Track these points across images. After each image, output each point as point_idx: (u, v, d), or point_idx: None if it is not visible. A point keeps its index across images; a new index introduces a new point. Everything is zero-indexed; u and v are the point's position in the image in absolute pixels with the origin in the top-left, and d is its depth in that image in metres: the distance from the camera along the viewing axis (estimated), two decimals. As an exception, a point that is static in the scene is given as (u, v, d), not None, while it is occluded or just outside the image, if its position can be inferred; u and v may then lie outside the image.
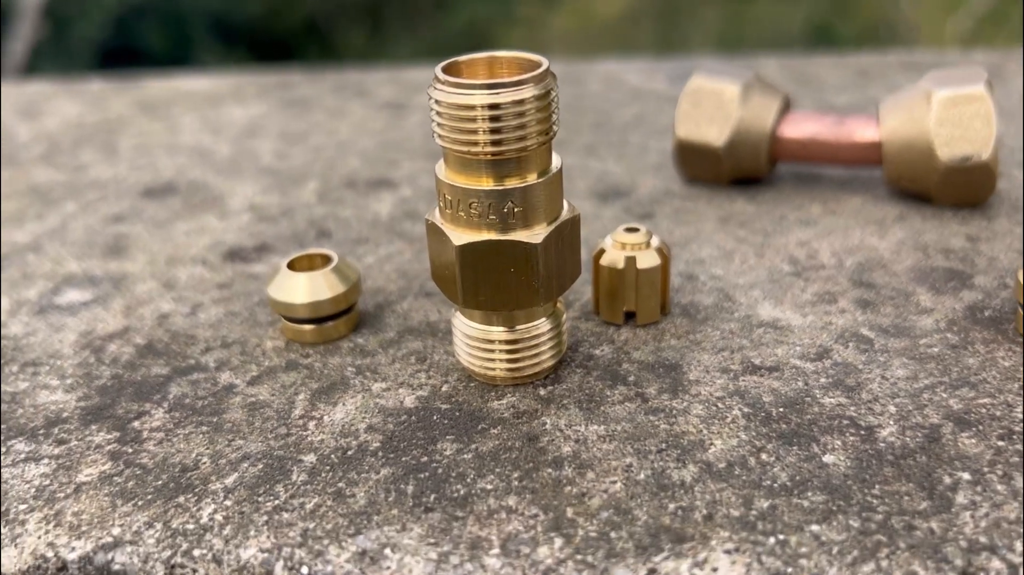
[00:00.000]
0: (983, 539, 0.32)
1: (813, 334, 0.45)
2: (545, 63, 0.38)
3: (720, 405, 0.40)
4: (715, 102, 0.57)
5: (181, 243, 0.58)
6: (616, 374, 0.43)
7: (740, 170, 0.58)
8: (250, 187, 0.65)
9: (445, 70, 0.38)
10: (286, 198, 0.63)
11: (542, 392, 0.42)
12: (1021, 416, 0.38)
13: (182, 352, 0.46)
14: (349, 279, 0.46)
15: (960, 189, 0.54)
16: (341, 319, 0.46)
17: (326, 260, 0.47)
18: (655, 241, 0.46)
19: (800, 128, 0.57)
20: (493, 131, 0.36)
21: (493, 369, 0.42)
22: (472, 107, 0.36)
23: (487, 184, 0.38)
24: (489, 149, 0.37)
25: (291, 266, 0.47)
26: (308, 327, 0.46)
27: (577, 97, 0.77)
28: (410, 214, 0.60)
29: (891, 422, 0.39)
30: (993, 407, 0.39)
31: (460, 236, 0.39)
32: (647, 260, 0.45)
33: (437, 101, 0.37)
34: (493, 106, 0.36)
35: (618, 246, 0.45)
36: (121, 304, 0.51)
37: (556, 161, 0.40)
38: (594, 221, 0.57)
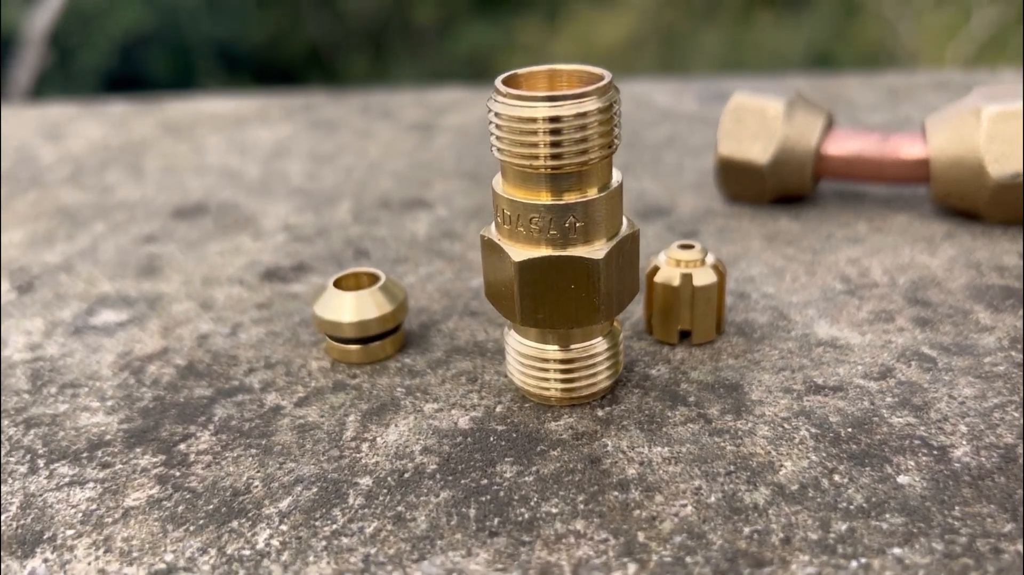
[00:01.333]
0: (1075, 563, 0.31)
1: (874, 353, 0.44)
2: (608, 76, 0.37)
3: (786, 426, 0.39)
4: (758, 119, 0.56)
5: (216, 263, 0.57)
6: (675, 394, 0.41)
7: (784, 188, 0.57)
8: (282, 207, 0.64)
9: (505, 82, 0.37)
10: (320, 218, 0.62)
11: (600, 413, 0.41)
12: (1099, 436, 0.37)
13: (225, 373, 0.45)
14: (396, 298, 0.45)
15: (1010, 206, 0.53)
16: (388, 339, 0.45)
17: (373, 279, 0.46)
18: (710, 258, 0.45)
19: (845, 145, 0.56)
20: (554, 144, 0.35)
21: (548, 389, 0.41)
22: (533, 120, 0.35)
23: (547, 199, 0.37)
24: (550, 163, 0.36)
25: (337, 284, 0.46)
26: (355, 347, 0.45)
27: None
28: (447, 234, 0.59)
29: (964, 442, 0.37)
30: (1068, 427, 0.38)
31: (519, 252, 0.38)
32: (703, 277, 0.44)
33: (497, 114, 0.36)
34: (554, 119, 0.35)
35: (672, 263, 0.44)
36: (158, 325, 0.50)
37: (616, 175, 0.39)
38: (636, 240, 0.56)
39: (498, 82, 0.37)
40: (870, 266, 0.52)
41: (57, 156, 0.78)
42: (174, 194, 0.68)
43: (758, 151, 0.56)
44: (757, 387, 0.42)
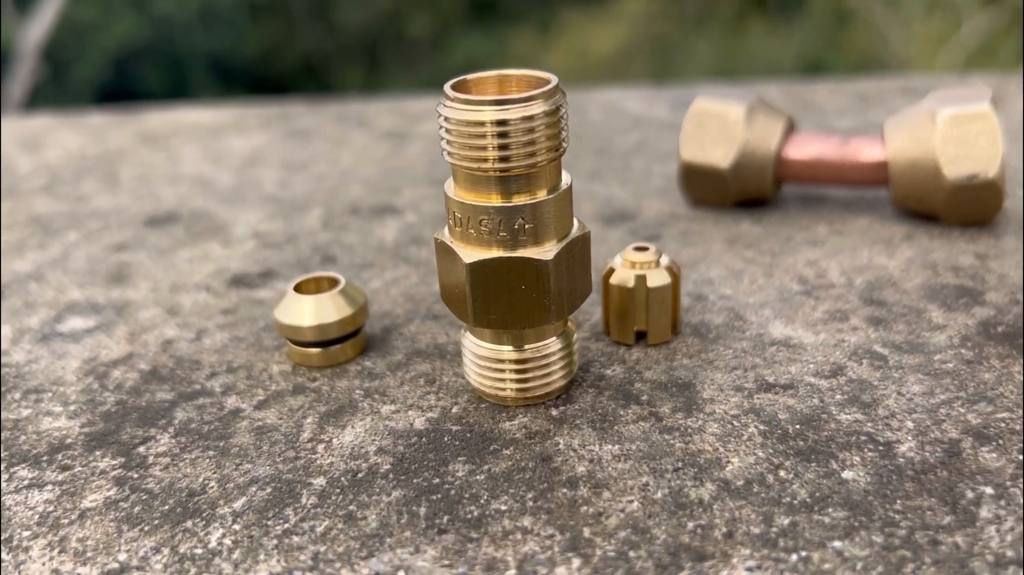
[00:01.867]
0: (1010, 553, 0.32)
1: (826, 351, 0.44)
2: (554, 80, 0.38)
3: (735, 423, 0.39)
4: (719, 124, 0.57)
5: (184, 270, 0.57)
6: (629, 394, 0.42)
7: (746, 192, 0.58)
8: (253, 215, 0.65)
9: (454, 87, 0.38)
10: (290, 225, 0.63)
11: (554, 412, 0.41)
12: (1041, 430, 0.38)
13: (187, 377, 0.46)
14: (356, 302, 0.46)
15: (967, 207, 0.54)
16: (348, 342, 0.46)
17: (333, 283, 0.47)
18: (665, 260, 0.45)
19: (805, 149, 0.57)
20: (502, 147, 0.36)
21: (503, 390, 0.41)
22: (481, 123, 0.36)
23: (497, 201, 0.37)
24: (498, 165, 0.36)
25: (298, 289, 0.46)
26: (315, 350, 0.45)
27: (579, 124, 0.78)
28: (415, 239, 0.60)
29: (909, 437, 0.38)
30: (1012, 421, 0.39)
31: (470, 254, 0.38)
32: (657, 279, 0.44)
33: (446, 118, 0.37)
34: (502, 122, 0.36)
35: (628, 265, 0.45)
36: (124, 331, 0.51)
37: (566, 178, 0.39)
38: (600, 244, 0.57)
39: (447, 87, 0.38)
40: (828, 267, 0.52)
41: (34, 166, 0.79)
42: (147, 203, 0.69)
43: (720, 156, 0.57)
44: (709, 386, 0.42)
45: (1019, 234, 0.55)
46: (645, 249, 0.45)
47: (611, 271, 0.45)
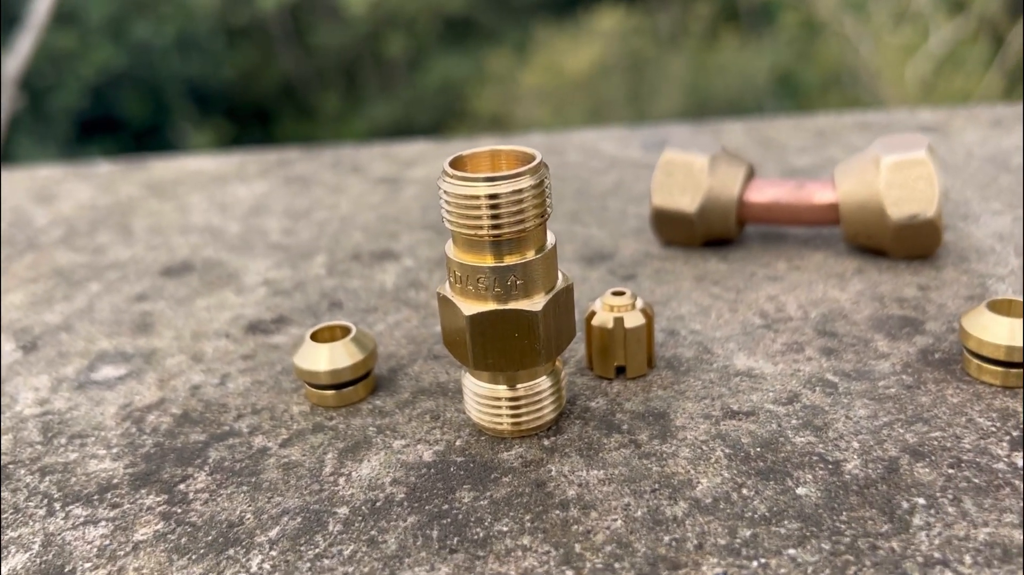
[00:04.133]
0: (937, 555, 0.38)
1: (784, 380, 0.50)
2: (538, 156, 0.43)
3: (704, 447, 0.45)
4: (686, 172, 0.63)
5: (203, 318, 0.63)
6: (611, 423, 0.48)
7: (711, 233, 0.64)
8: (262, 263, 0.70)
9: (452, 164, 0.44)
10: (297, 272, 0.68)
11: (546, 443, 0.47)
12: (968, 446, 0.44)
13: (216, 420, 0.51)
14: (366, 347, 0.51)
15: (910, 243, 0.60)
16: (360, 383, 0.51)
17: (345, 331, 0.52)
18: (639, 303, 0.51)
19: (764, 193, 0.63)
20: (494, 217, 0.42)
21: (501, 424, 0.47)
22: (476, 197, 0.42)
23: (491, 262, 0.43)
24: (492, 232, 0.42)
25: (314, 337, 0.52)
26: (330, 392, 0.51)
27: (559, 166, 0.83)
28: (414, 283, 0.65)
29: (855, 456, 0.44)
30: (944, 439, 0.45)
31: (469, 307, 0.44)
32: (633, 320, 0.50)
33: (446, 192, 0.42)
34: (494, 195, 0.42)
35: (607, 308, 0.51)
36: (154, 377, 0.56)
37: (551, 238, 0.45)
38: (582, 283, 0.63)
39: (446, 164, 0.44)
40: (786, 302, 0.58)
41: (50, 218, 0.84)
42: (162, 253, 0.74)
43: (687, 201, 0.63)
44: (681, 414, 0.48)
45: (957, 266, 0.61)
46: (622, 293, 0.51)
47: (592, 314, 0.51)
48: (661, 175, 0.64)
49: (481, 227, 0.42)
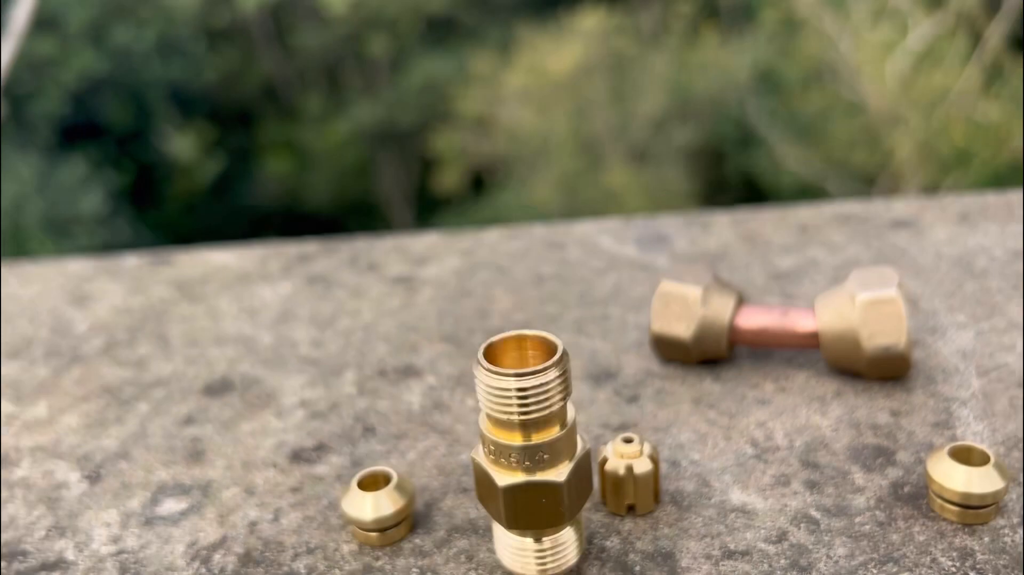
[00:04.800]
0: None
1: (773, 517, 0.58)
2: (560, 347, 0.50)
3: (706, 591, 0.52)
4: (681, 303, 0.70)
5: (250, 445, 0.70)
6: (625, 565, 0.55)
7: (705, 354, 0.71)
8: (296, 380, 0.77)
9: (485, 355, 0.51)
10: (330, 391, 0.75)
11: (569, 585, 0.54)
12: (931, 587, 0.51)
13: (276, 559, 0.58)
14: (407, 492, 0.58)
15: (883, 369, 0.67)
16: (402, 524, 0.58)
17: (387, 479, 0.59)
18: (647, 448, 0.58)
19: (752, 321, 0.70)
20: (523, 405, 0.49)
21: (529, 570, 0.54)
22: (507, 389, 0.49)
23: (520, 440, 0.50)
24: (520, 416, 0.49)
25: (360, 485, 0.59)
26: (375, 534, 0.58)
27: (560, 264, 0.90)
28: (438, 405, 0.72)
29: (836, 597, 0.51)
30: (911, 579, 0.52)
31: (502, 478, 0.51)
32: (642, 466, 0.57)
33: (479, 380, 0.50)
34: (522, 388, 0.49)
35: (617, 455, 0.58)
36: (214, 512, 0.63)
37: (571, 412, 0.52)
38: (590, 405, 0.70)
39: (480, 355, 0.50)
40: (774, 428, 0.66)
41: (89, 323, 0.91)
42: (201, 368, 0.80)
43: (682, 329, 0.70)
44: (686, 554, 0.55)
45: (926, 388, 0.68)
46: (631, 441, 0.58)
47: (605, 459, 0.58)
48: (659, 305, 0.71)
49: (511, 412, 0.49)
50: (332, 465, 0.67)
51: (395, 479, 0.59)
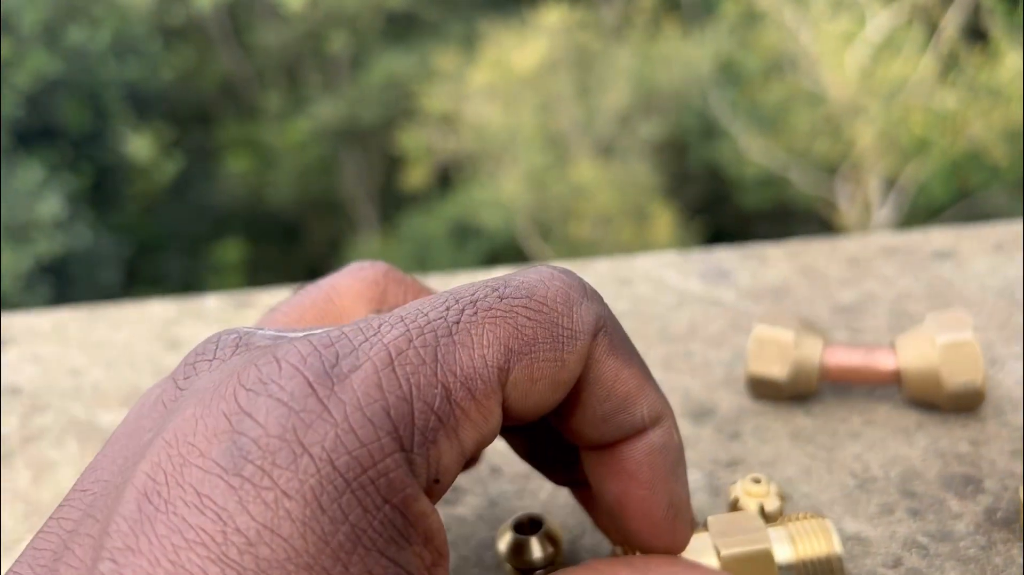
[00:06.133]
0: None
1: (886, 544, 0.65)
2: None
3: (844, 615, 0.60)
4: (775, 346, 0.77)
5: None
6: (766, 594, 0.62)
7: (797, 392, 0.78)
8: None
9: None
10: (448, 434, 0.81)
11: (719, 613, 0.61)
12: (1039, 606, 0.59)
13: (444, 599, 0.64)
14: (557, 532, 0.65)
15: (961, 403, 0.75)
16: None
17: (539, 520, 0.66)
18: (773, 488, 0.65)
19: (839, 359, 0.78)
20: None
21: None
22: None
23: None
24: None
25: (515, 528, 0.65)
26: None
27: (634, 301, 0.97)
28: (553, 445, 0.79)
29: (957, 617, 0.59)
30: (1019, 599, 0.60)
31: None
32: (771, 505, 0.64)
33: None
34: None
35: (747, 495, 0.65)
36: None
37: None
38: (697, 443, 0.77)
39: None
40: (870, 460, 0.73)
41: (190, 369, 0.95)
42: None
43: (777, 370, 0.77)
44: (817, 582, 0.62)
45: (996, 418, 0.76)
46: (759, 481, 0.65)
47: (736, 499, 0.65)
48: (755, 347, 0.78)
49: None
50: (469, 506, 0.73)
51: (546, 521, 0.65)
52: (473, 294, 0.42)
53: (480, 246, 13.47)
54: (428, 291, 0.58)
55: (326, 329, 0.45)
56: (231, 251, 15.67)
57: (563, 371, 0.40)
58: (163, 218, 16.10)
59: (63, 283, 13.75)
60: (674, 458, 0.49)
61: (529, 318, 0.39)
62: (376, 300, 0.57)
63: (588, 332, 0.41)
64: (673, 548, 0.48)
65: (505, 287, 0.41)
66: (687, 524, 0.49)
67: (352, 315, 0.56)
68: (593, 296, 0.43)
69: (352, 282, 0.58)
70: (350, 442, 0.38)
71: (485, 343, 0.39)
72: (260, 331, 0.47)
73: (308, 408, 0.39)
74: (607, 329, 0.44)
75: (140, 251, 15.62)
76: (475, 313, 0.41)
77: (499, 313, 0.40)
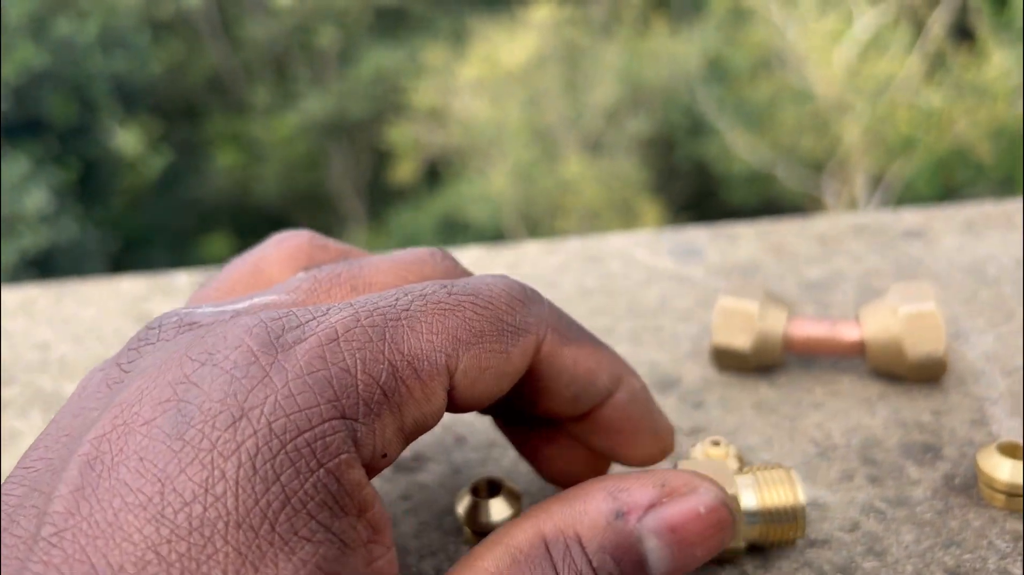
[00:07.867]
0: (984, 664, 0.53)
1: (844, 509, 0.65)
2: None
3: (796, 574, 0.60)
4: (740, 317, 0.77)
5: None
6: (719, 557, 0.62)
7: (761, 363, 0.79)
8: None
9: None
10: (414, 405, 0.81)
11: (676, 575, 0.61)
12: (992, 567, 0.60)
13: (403, 562, 0.64)
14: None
15: (924, 374, 0.76)
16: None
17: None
18: (733, 451, 0.66)
19: (803, 331, 0.78)
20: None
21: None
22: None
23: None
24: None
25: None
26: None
27: (605, 277, 0.97)
28: (519, 415, 0.79)
29: (911, 578, 0.59)
30: (973, 561, 0.60)
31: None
32: (731, 466, 0.65)
33: None
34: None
35: (707, 457, 0.65)
36: (334, 521, 0.69)
37: None
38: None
39: None
40: (832, 429, 0.73)
41: (159, 343, 0.95)
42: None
43: (741, 341, 0.77)
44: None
45: (958, 388, 0.77)
46: (718, 444, 0.66)
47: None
48: (719, 319, 0.78)
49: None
50: (433, 473, 0.73)
51: (504, 483, 0.65)
52: (423, 289, 0.44)
53: (468, 240, 13.50)
54: (357, 252, 0.58)
55: (268, 303, 0.46)
56: (218, 245, 15.64)
57: (508, 364, 0.43)
58: (150, 212, 16.05)
59: (48, 277, 13.71)
60: (643, 400, 0.55)
61: (476, 313, 0.42)
62: (302, 265, 0.57)
63: (530, 330, 0.45)
64: (665, 455, 0.59)
65: (453, 285, 0.44)
66: (669, 433, 0.59)
67: (281, 282, 0.56)
68: (534, 297, 0.47)
69: (278, 251, 0.58)
70: (289, 406, 0.39)
71: (434, 331, 0.42)
72: (199, 309, 0.48)
73: (250, 375, 0.39)
74: (552, 325, 0.48)
75: (127, 245, 15.56)
76: (424, 304, 0.43)
77: (447, 306, 0.43)
